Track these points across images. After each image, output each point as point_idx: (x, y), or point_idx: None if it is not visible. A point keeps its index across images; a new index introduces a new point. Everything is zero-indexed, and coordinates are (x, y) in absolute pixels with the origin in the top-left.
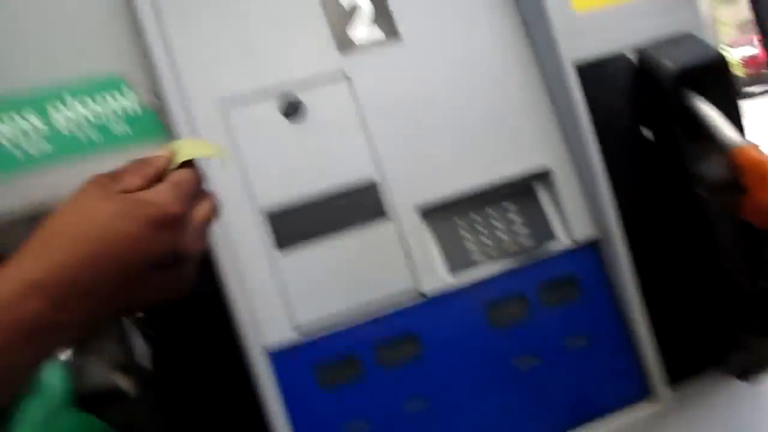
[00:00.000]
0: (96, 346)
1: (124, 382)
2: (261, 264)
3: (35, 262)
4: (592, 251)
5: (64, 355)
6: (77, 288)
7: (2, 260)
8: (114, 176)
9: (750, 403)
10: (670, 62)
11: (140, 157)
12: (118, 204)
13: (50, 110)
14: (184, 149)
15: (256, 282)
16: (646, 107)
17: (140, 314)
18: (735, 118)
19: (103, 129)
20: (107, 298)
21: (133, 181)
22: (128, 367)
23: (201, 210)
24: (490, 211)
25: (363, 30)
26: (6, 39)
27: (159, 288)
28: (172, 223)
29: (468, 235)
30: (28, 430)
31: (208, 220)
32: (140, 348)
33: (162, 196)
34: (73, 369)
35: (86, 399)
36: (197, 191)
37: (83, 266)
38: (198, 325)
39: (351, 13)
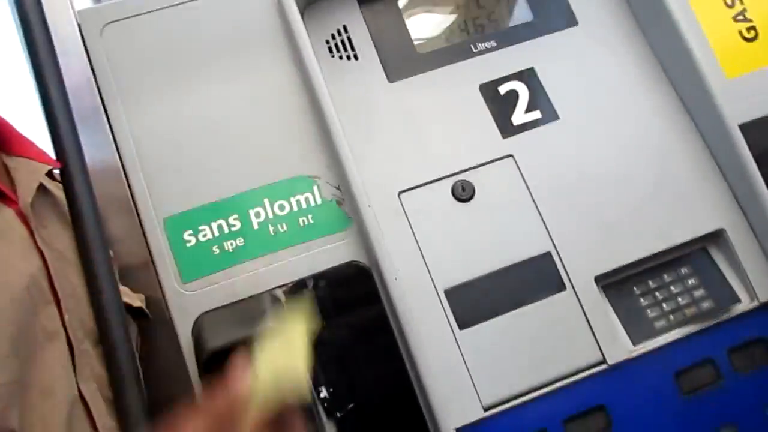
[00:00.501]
0: None
1: None
2: (445, 343)
3: None
4: None
5: None
6: None
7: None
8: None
9: None
10: None
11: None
12: None
13: (249, 212)
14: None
15: (442, 361)
16: None
17: (325, 394)
18: None
19: (291, 222)
20: None
21: None
22: None
23: None
24: (667, 277)
25: (522, 114)
26: (217, 156)
27: None
28: None
29: (647, 303)
30: None
31: None
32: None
33: None
34: None
35: None
36: None
37: None
38: (385, 404)
39: (510, 100)
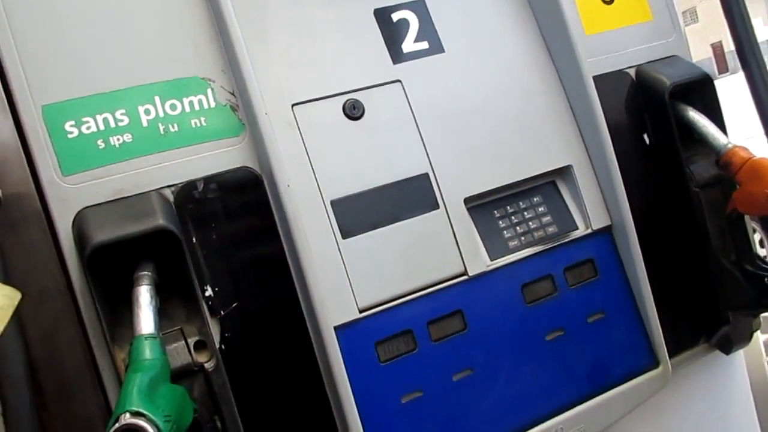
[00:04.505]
0: (173, 326)
1: (201, 358)
2: (329, 250)
3: None
4: (606, 237)
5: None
6: None
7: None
8: None
9: (729, 372)
10: (665, 78)
11: None
12: None
13: (138, 108)
14: None
15: (324, 267)
16: (644, 116)
17: (210, 293)
18: (720, 124)
19: (183, 123)
20: None
21: None
22: (205, 345)
23: None
24: (522, 204)
25: (411, 43)
26: (104, 46)
27: None
28: None
29: (504, 225)
30: (137, 396)
31: None
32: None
33: None
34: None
35: (172, 373)
36: None
37: None
38: (267, 305)
39: (401, 28)
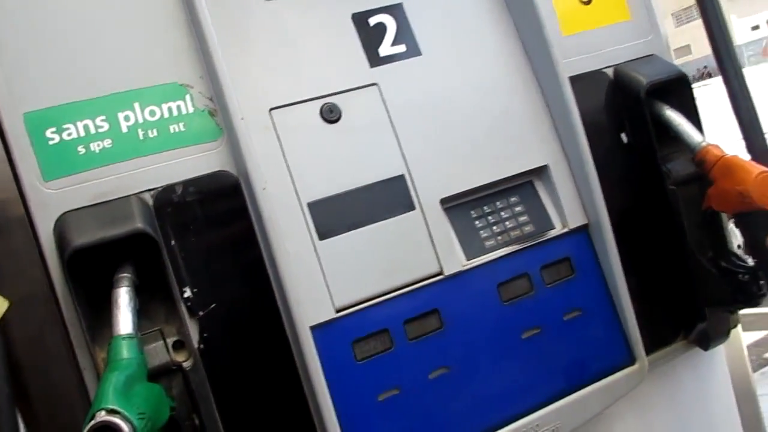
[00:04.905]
0: (153, 326)
1: (180, 358)
2: (305, 251)
3: None
4: (583, 236)
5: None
6: None
7: None
8: None
9: (709, 367)
10: (641, 77)
11: None
12: None
13: (118, 114)
14: None
15: (301, 267)
16: (622, 115)
17: (189, 294)
18: (696, 123)
19: (162, 128)
20: None
21: None
22: (183, 344)
23: None
24: (498, 204)
25: (389, 47)
26: (84, 54)
27: None
28: None
29: (481, 225)
30: (112, 394)
31: None
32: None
33: None
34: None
35: (149, 372)
36: None
37: None
38: (246, 305)
39: (379, 32)
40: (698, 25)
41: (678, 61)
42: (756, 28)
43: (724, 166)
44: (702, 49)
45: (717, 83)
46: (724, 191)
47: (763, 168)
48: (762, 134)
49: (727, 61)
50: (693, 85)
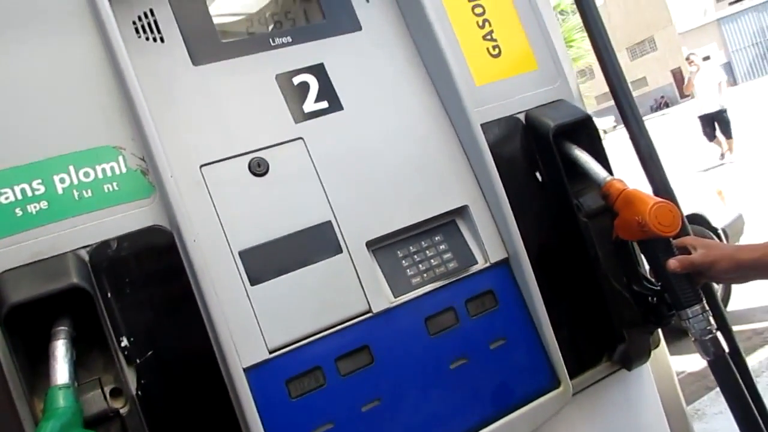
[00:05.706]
0: (92, 376)
1: (117, 404)
2: (238, 297)
3: None
4: (504, 269)
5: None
6: None
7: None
8: None
9: (634, 387)
10: (549, 120)
11: None
12: None
13: (54, 177)
14: None
15: (234, 312)
16: (535, 156)
17: (126, 344)
18: (602, 159)
19: (96, 188)
20: None
21: None
22: (120, 391)
23: None
24: (423, 243)
25: (312, 103)
26: (19, 120)
27: None
28: None
29: (407, 264)
30: None
31: None
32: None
33: None
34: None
35: (87, 419)
36: None
37: None
38: (182, 351)
39: (302, 90)
40: (653, 57)
41: (636, 93)
42: (707, 58)
43: (625, 198)
44: (658, 79)
45: (675, 112)
46: (626, 221)
47: (657, 199)
48: (662, 168)
49: (626, 106)
50: (652, 115)
